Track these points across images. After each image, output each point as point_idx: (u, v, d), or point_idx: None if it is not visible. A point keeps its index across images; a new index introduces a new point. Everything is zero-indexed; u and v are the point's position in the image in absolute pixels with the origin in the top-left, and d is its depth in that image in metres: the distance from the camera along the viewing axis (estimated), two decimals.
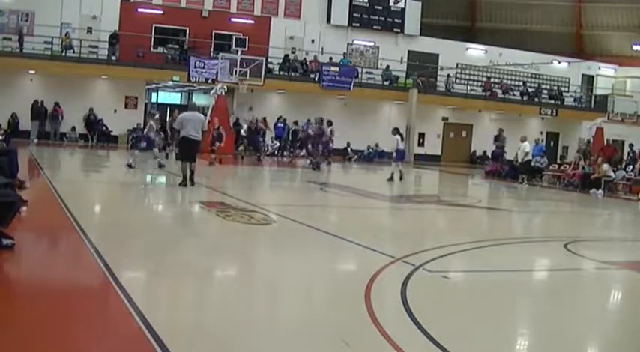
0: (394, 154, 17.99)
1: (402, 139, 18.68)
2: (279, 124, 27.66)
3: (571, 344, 4.75)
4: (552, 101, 33.14)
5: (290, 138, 28.37)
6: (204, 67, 24.85)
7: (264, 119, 26.54)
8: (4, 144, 12.58)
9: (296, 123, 28.29)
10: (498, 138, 26.24)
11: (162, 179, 15.41)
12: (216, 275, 6.34)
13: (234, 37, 25.11)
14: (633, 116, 32.57)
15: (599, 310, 5.87)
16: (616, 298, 6.66)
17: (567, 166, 21.76)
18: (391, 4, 30.99)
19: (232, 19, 28.54)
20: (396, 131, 18.34)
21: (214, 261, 6.69)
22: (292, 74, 28.37)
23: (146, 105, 28.62)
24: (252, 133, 24.49)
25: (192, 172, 12.60)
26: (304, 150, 23.63)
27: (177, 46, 27.33)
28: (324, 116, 27.19)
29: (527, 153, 20.81)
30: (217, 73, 24.17)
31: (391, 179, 17.58)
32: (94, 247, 6.37)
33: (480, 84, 32.35)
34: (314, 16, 29.93)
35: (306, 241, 8.16)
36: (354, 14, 30.52)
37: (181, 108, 23.91)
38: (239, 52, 23.85)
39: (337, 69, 28.13)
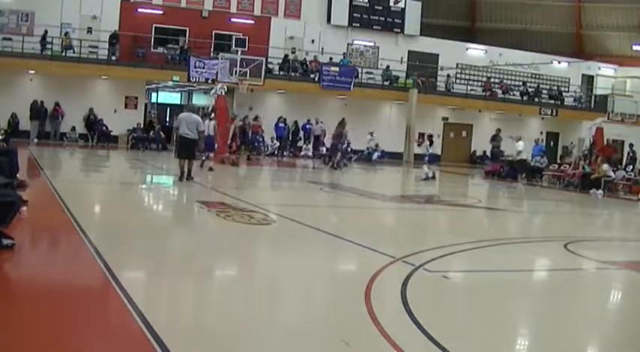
0: (426, 157, 20.17)
1: (431, 144, 20.89)
2: (279, 124, 27.64)
3: (571, 344, 4.75)
4: (552, 101, 33.14)
5: (290, 138, 28.35)
6: (204, 67, 24.86)
7: (256, 117, 26.18)
8: (4, 144, 12.57)
9: (296, 123, 28.30)
10: (495, 138, 26.33)
11: (162, 179, 15.41)
12: (216, 275, 6.34)
13: (234, 37, 25.11)
14: (633, 116, 32.56)
15: (599, 310, 5.87)
16: (616, 298, 6.66)
17: (567, 166, 21.80)
18: (391, 4, 30.99)
19: (232, 19, 28.54)
20: (429, 137, 21.43)
21: (214, 261, 6.69)
22: (292, 74, 28.37)
23: (146, 105, 28.64)
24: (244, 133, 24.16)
25: (189, 169, 13.38)
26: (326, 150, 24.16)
27: (177, 46, 27.34)
28: (324, 116, 27.28)
29: (520, 152, 21.30)
30: (217, 73, 24.17)
31: (426, 178, 19.30)
32: (94, 247, 6.37)
33: (479, 84, 32.35)
34: (314, 16, 29.92)
35: (306, 241, 8.16)
36: (354, 14, 30.52)
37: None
38: (239, 52, 23.84)
39: (337, 69, 28.13)
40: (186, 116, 13.61)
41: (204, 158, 16.77)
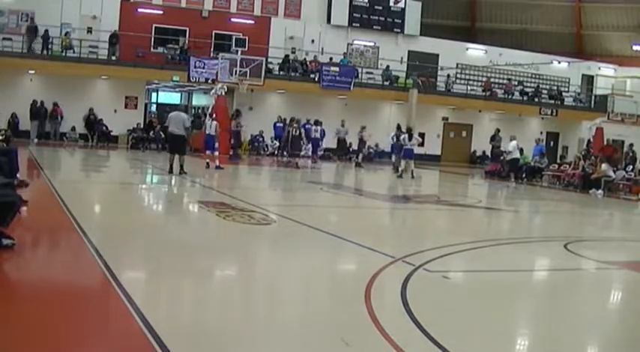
0: (403, 152, 20.08)
1: (410, 138, 20.06)
2: (278, 124, 27.59)
3: (571, 345, 4.75)
4: (552, 101, 33.14)
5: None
6: (204, 67, 24.86)
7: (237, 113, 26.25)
8: (4, 144, 12.56)
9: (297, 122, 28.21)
10: (494, 138, 26.37)
11: (162, 179, 15.41)
12: (216, 275, 6.34)
13: (234, 37, 25.11)
14: (633, 116, 32.55)
15: (599, 310, 5.87)
16: (616, 298, 6.65)
17: (567, 166, 21.81)
18: (391, 4, 30.98)
19: (232, 19, 28.54)
20: (408, 130, 20.76)
21: (214, 261, 6.69)
22: (292, 74, 28.37)
23: (146, 105, 28.64)
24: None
25: (181, 164, 14.46)
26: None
27: (177, 46, 27.33)
28: (324, 116, 27.23)
29: (509, 152, 21.67)
30: (217, 73, 24.18)
31: (400, 175, 19.42)
32: (94, 247, 6.37)
33: (479, 84, 32.35)
34: (314, 16, 29.92)
35: (306, 241, 8.15)
36: (354, 14, 30.52)
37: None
38: (239, 52, 23.84)
39: (337, 69, 28.12)
40: (175, 115, 14.98)
41: (208, 160, 17.35)
